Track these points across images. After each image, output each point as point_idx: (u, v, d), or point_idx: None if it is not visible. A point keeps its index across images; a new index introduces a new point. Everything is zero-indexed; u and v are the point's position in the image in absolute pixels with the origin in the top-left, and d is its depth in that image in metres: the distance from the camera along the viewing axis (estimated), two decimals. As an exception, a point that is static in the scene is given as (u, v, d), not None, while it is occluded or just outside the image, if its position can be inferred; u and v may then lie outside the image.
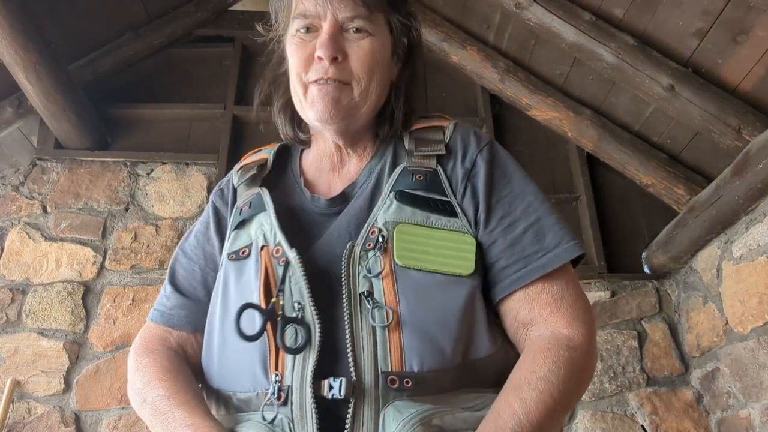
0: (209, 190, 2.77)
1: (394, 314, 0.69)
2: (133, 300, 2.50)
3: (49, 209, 2.68)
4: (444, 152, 0.84)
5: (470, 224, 0.79)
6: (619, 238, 2.76)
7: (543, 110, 2.84)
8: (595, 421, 2.37)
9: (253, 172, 0.90)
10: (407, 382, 0.65)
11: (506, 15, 2.73)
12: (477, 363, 0.72)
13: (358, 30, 0.82)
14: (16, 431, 2.24)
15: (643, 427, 2.37)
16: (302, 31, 0.84)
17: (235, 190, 0.92)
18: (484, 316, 0.74)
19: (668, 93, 2.29)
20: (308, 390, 0.66)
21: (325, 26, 0.81)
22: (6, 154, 2.73)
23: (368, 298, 0.70)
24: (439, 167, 0.82)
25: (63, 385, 2.33)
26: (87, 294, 2.51)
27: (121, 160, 2.81)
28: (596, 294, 2.62)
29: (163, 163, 2.83)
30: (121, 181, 2.77)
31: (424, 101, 2.89)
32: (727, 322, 2.29)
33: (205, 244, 0.94)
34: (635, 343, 2.54)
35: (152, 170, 2.82)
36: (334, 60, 0.80)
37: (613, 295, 2.63)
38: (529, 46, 2.80)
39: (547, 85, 2.85)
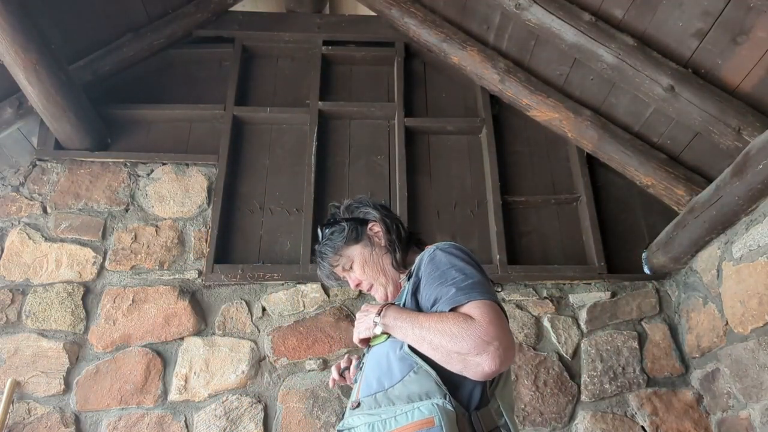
0: (209, 190, 2.77)
1: (361, 372, 1.31)
2: (133, 301, 2.50)
3: (49, 210, 2.68)
4: (406, 279, 1.37)
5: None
6: (619, 239, 2.76)
7: (543, 111, 2.84)
8: (596, 422, 2.37)
9: None
10: (356, 404, 1.24)
11: (506, 16, 2.73)
12: (393, 386, 1.17)
13: (349, 267, 1.50)
14: (16, 432, 2.24)
15: (643, 427, 2.37)
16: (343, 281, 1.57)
17: None
18: (396, 356, 1.20)
19: (668, 94, 2.29)
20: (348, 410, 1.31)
21: (345, 277, 1.53)
22: (6, 154, 2.73)
23: (360, 368, 1.35)
24: (407, 284, 1.33)
25: (63, 386, 2.33)
26: (87, 294, 2.51)
27: (121, 160, 2.82)
28: (596, 295, 2.63)
29: (163, 164, 2.83)
30: (121, 181, 2.77)
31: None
32: (727, 323, 2.29)
33: None
34: (635, 344, 2.54)
35: (152, 171, 2.82)
36: (358, 285, 1.51)
37: (613, 295, 2.63)
38: (529, 46, 2.80)
39: (547, 85, 2.85)
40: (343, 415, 1.34)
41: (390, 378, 1.18)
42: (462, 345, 1.08)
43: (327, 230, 1.53)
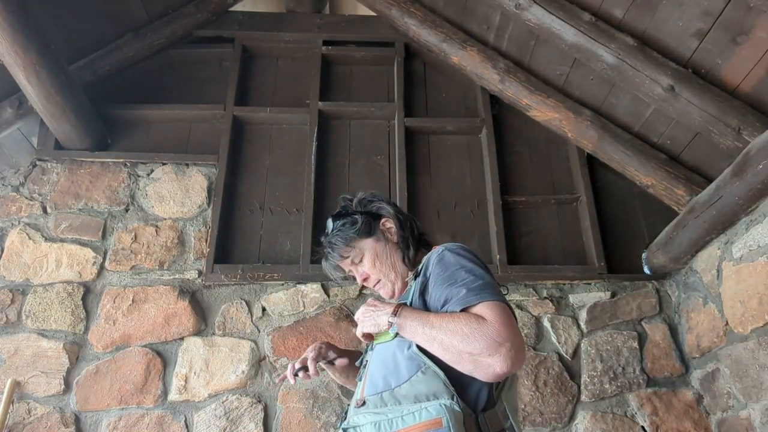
0: (209, 190, 2.77)
1: (365, 370, 1.31)
2: (133, 301, 2.50)
3: (49, 210, 2.68)
4: (413, 278, 1.38)
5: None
6: (619, 239, 2.76)
7: (543, 111, 2.84)
8: (596, 422, 2.37)
9: None
10: (361, 403, 1.22)
11: (506, 16, 2.73)
12: (400, 386, 1.17)
13: (359, 261, 1.49)
14: (16, 432, 2.24)
15: (643, 428, 2.37)
16: (352, 276, 1.55)
17: None
18: (404, 356, 1.20)
19: (668, 94, 2.29)
20: (352, 408, 1.28)
21: (352, 270, 1.52)
22: (6, 154, 2.73)
23: (364, 366, 1.36)
24: (414, 283, 1.35)
25: (63, 386, 2.33)
26: (87, 295, 2.51)
27: (121, 160, 2.82)
28: (596, 295, 2.63)
29: (163, 164, 2.83)
30: (121, 181, 2.77)
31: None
32: (727, 323, 2.29)
33: None
34: (635, 344, 2.54)
35: (152, 171, 2.82)
36: (365, 280, 1.50)
37: (613, 295, 2.63)
38: (529, 46, 2.80)
39: (547, 85, 2.85)
40: (345, 414, 1.33)
41: (397, 377, 1.18)
42: (474, 345, 1.08)
43: (338, 221, 1.51)
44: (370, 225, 1.49)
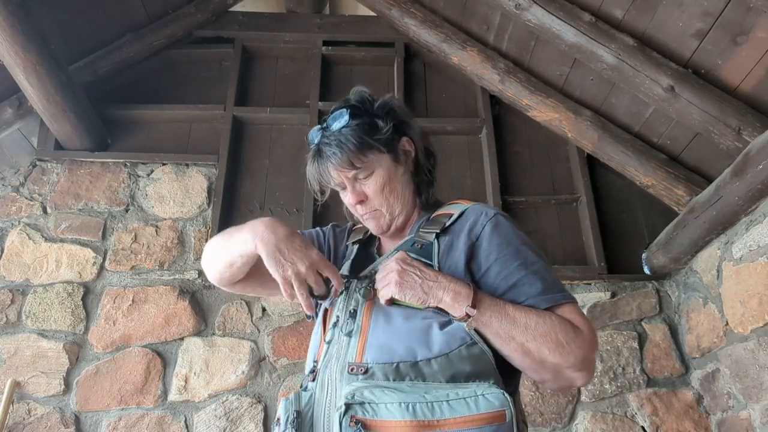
0: (209, 190, 2.77)
1: (361, 327, 1.01)
2: (133, 301, 2.50)
3: (49, 210, 2.68)
4: (439, 231, 1.10)
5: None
6: (619, 239, 2.76)
7: (543, 111, 2.84)
8: (596, 422, 2.37)
9: (359, 236, 1.28)
10: (362, 370, 0.94)
11: (506, 16, 2.73)
12: (429, 360, 0.94)
13: (364, 177, 1.14)
14: (15, 432, 2.24)
15: (643, 428, 2.37)
16: (339, 190, 1.20)
17: (346, 236, 1.32)
18: (438, 326, 0.97)
19: (668, 94, 2.29)
20: (335, 370, 0.98)
21: (347, 185, 1.16)
22: (6, 155, 2.73)
23: (351, 317, 1.03)
24: (436, 241, 1.09)
25: (63, 386, 2.33)
26: (87, 295, 2.51)
27: (121, 161, 2.82)
28: (596, 295, 2.63)
29: (163, 164, 2.83)
30: (121, 182, 2.78)
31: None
32: (727, 323, 2.29)
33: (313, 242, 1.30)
34: (635, 344, 2.54)
35: (152, 171, 2.82)
36: (360, 203, 1.16)
37: (613, 295, 2.63)
38: (529, 47, 2.80)
39: (547, 86, 2.85)
40: (313, 375, 1.04)
41: (427, 348, 0.95)
42: (568, 358, 0.94)
43: (356, 119, 1.13)
44: (392, 139, 1.15)
